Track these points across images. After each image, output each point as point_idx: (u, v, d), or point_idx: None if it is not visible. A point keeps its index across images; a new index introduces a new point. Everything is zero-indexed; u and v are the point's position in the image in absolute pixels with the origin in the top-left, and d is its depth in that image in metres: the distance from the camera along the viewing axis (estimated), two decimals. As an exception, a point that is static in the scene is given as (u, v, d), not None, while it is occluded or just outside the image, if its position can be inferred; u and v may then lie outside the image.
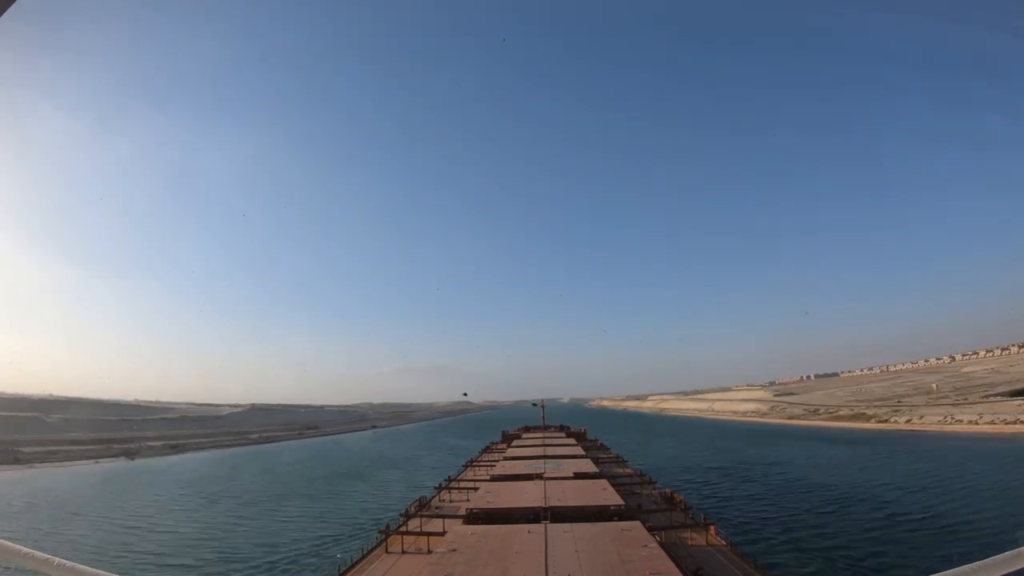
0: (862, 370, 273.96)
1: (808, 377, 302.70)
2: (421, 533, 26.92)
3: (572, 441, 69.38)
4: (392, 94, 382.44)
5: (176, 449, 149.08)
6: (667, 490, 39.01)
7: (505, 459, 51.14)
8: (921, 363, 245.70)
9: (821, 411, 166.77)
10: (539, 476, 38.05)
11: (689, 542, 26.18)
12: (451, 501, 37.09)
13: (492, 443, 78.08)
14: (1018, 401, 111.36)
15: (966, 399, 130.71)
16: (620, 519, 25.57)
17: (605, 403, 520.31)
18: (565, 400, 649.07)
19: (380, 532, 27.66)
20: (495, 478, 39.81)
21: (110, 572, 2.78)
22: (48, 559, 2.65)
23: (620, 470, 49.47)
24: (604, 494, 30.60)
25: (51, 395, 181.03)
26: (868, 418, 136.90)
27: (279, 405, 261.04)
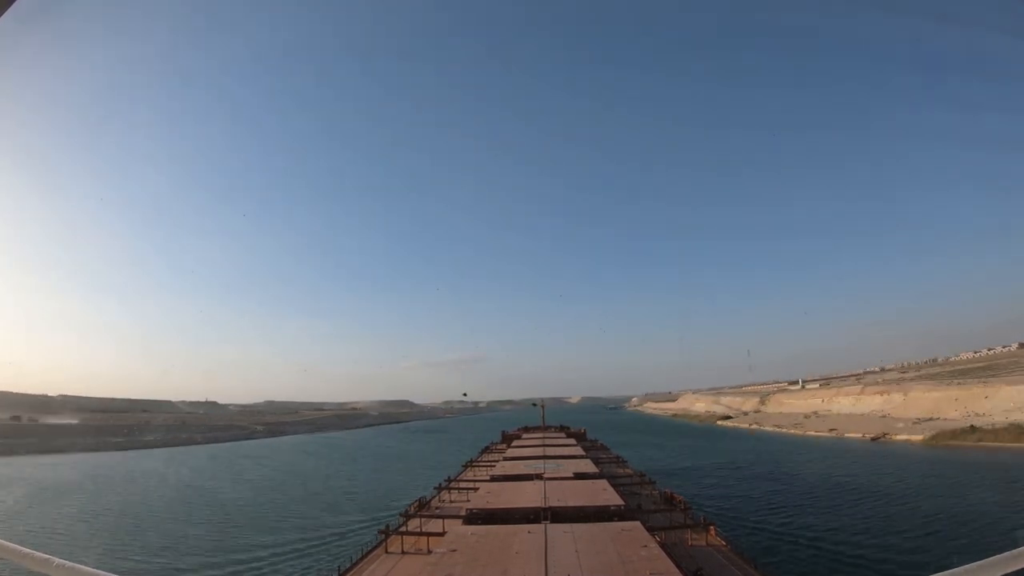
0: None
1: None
2: (421, 533, 26.89)
3: (572, 441, 69.35)
4: (406, 95, 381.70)
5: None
6: (667, 490, 38.88)
7: (505, 459, 51.11)
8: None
9: None
10: (539, 476, 37.98)
11: (689, 542, 26.17)
12: (451, 501, 37.08)
13: (492, 443, 78.14)
14: None
15: None
16: (620, 519, 25.51)
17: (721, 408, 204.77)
18: (575, 400, 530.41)
19: (380, 532, 27.61)
20: (495, 478, 39.76)
21: (111, 572, 2.77)
22: (48, 559, 2.63)
23: (620, 470, 49.41)
24: (604, 494, 30.54)
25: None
26: None
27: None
